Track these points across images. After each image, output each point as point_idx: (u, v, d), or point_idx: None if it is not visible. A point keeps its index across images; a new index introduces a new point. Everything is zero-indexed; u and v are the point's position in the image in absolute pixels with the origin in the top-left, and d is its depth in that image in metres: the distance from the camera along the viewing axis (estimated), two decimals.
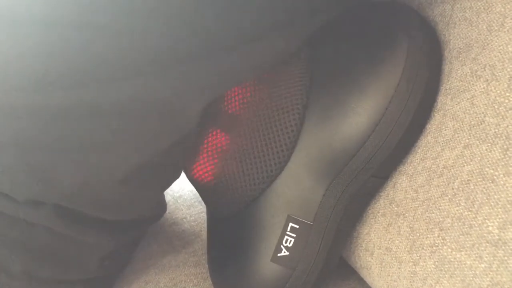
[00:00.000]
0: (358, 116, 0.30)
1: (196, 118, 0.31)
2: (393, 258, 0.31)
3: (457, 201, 0.27)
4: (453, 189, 0.28)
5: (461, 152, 0.28)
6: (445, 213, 0.28)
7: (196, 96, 0.29)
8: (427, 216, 0.29)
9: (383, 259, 0.32)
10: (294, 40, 0.32)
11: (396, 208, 0.32)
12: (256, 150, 0.33)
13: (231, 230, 0.35)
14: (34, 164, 0.30)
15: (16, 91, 0.27)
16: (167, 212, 0.50)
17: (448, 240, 0.27)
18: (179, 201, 0.53)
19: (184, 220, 0.50)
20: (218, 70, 0.28)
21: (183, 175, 0.56)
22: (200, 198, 0.52)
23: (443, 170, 0.29)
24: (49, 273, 0.36)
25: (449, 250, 0.27)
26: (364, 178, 0.31)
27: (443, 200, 0.28)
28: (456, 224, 0.27)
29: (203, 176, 0.35)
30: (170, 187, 0.54)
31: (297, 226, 0.32)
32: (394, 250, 0.31)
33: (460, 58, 0.29)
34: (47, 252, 0.35)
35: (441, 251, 0.28)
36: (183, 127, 0.31)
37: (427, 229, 0.29)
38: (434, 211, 0.29)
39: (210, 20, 0.26)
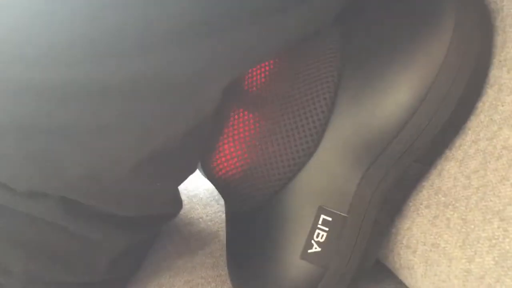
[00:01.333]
0: (399, 92, 0.27)
1: (216, 100, 0.28)
2: (441, 255, 0.27)
3: None
4: None
5: None
6: (507, 200, 0.24)
7: (217, 73, 0.26)
8: (483, 205, 0.25)
9: (429, 256, 0.28)
10: (323, 13, 0.28)
11: (443, 198, 0.28)
12: (281, 135, 0.29)
13: (254, 226, 0.32)
14: (36, 151, 0.27)
15: (18, 65, 0.24)
16: (182, 211, 0.47)
17: (510, 232, 0.24)
18: (194, 200, 0.50)
19: (200, 220, 0.46)
20: (243, 44, 0.26)
21: (197, 173, 0.53)
22: (217, 197, 0.49)
23: (501, 152, 0.25)
24: (52, 274, 0.32)
25: None
26: (406, 164, 0.28)
27: (504, 185, 0.24)
28: None
29: (227, 168, 0.32)
30: (185, 185, 0.51)
31: (330, 219, 0.28)
32: (442, 245, 0.27)
33: None
34: (50, 251, 0.32)
35: (502, 244, 0.24)
36: (202, 109, 0.28)
37: (484, 219, 0.25)
38: (492, 198, 0.25)
39: None
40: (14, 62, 0.24)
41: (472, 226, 0.26)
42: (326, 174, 0.28)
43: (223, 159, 0.31)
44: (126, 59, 0.24)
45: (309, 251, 0.28)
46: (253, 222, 0.32)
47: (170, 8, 0.23)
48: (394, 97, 0.27)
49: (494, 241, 0.24)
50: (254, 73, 0.31)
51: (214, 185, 0.34)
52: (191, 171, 0.35)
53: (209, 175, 0.34)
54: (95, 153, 0.27)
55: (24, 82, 0.24)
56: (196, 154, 0.34)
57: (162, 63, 0.24)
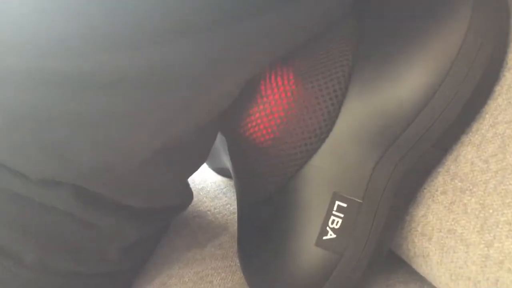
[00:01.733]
0: (416, 75, 0.26)
1: (233, 95, 0.28)
2: (458, 241, 0.27)
3: None
4: None
5: None
6: None
7: (231, 66, 0.26)
8: (502, 189, 0.25)
9: (445, 243, 0.28)
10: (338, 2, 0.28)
11: (460, 184, 0.27)
12: (292, 121, 0.29)
13: (266, 214, 0.31)
14: (50, 141, 0.27)
15: (34, 56, 0.24)
16: (190, 205, 0.46)
17: None
18: (201, 193, 0.49)
19: (208, 212, 0.46)
20: (256, 36, 0.25)
21: (204, 166, 0.53)
22: (224, 190, 0.49)
23: None
24: (63, 263, 0.32)
25: None
26: (422, 149, 0.27)
27: None
28: None
29: (259, 133, 0.30)
30: (192, 178, 0.51)
31: (345, 205, 0.28)
32: (459, 231, 0.27)
33: None
34: (62, 240, 0.31)
35: None
36: (217, 103, 0.28)
37: (503, 203, 0.25)
38: (511, 182, 0.24)
39: None
40: (29, 53, 0.24)
41: (491, 211, 0.25)
42: (340, 159, 0.28)
43: (261, 124, 0.30)
44: (140, 50, 0.23)
45: (324, 238, 0.28)
46: (264, 211, 0.31)
47: None
48: (411, 81, 0.26)
49: None
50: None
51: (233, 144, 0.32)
52: (203, 161, 0.35)
53: (241, 140, 0.32)
54: (109, 145, 0.27)
55: (39, 72, 0.24)
56: (210, 143, 0.34)
57: (176, 55, 0.24)
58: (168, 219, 0.39)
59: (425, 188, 0.30)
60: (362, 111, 0.27)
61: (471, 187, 0.27)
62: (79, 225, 0.31)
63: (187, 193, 0.39)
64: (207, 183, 0.50)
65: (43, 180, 0.29)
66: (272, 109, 0.29)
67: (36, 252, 0.31)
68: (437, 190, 0.29)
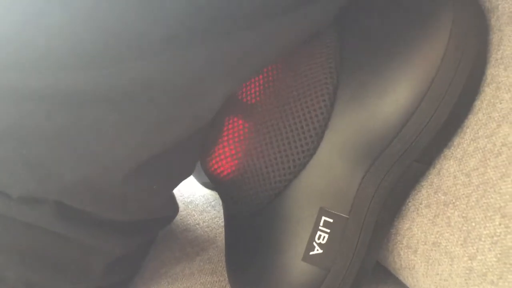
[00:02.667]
0: (398, 92, 0.27)
1: (216, 107, 0.28)
2: (443, 254, 0.27)
3: None
4: None
5: None
6: (508, 196, 0.24)
7: (216, 80, 0.26)
8: (484, 202, 0.25)
9: (430, 256, 0.28)
10: (323, 15, 0.28)
11: (443, 197, 0.28)
12: (280, 136, 0.29)
13: (255, 229, 0.31)
14: (32, 156, 0.26)
15: (15, 71, 0.23)
16: (178, 218, 0.47)
17: None
18: (190, 206, 0.49)
19: (197, 226, 0.46)
20: (241, 50, 0.25)
21: (193, 179, 0.53)
22: (213, 203, 0.49)
23: (501, 148, 0.25)
24: (48, 281, 0.32)
25: None
26: (406, 163, 0.28)
27: (504, 182, 0.24)
28: None
29: (222, 169, 0.31)
30: (181, 191, 0.51)
31: (331, 220, 0.28)
32: (443, 244, 0.27)
33: None
34: (46, 258, 0.31)
35: (504, 241, 0.24)
36: (201, 115, 0.28)
37: (485, 217, 0.25)
38: (492, 195, 0.25)
39: None
40: (12, 68, 0.23)
41: (473, 224, 0.26)
42: (327, 175, 0.28)
43: (222, 161, 0.31)
44: (124, 65, 0.23)
45: (311, 253, 0.28)
46: (253, 225, 0.32)
47: (168, 13, 0.23)
48: (394, 97, 0.27)
49: (496, 238, 0.24)
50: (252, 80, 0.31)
51: (213, 183, 0.33)
52: (189, 173, 0.35)
53: (208, 176, 0.33)
54: (92, 159, 0.27)
55: (22, 88, 0.24)
56: (195, 155, 0.34)
57: (159, 70, 0.24)
58: (153, 232, 0.39)
59: (409, 202, 0.30)
60: (347, 128, 0.28)
61: (454, 201, 0.27)
62: (62, 241, 0.31)
63: (172, 205, 0.38)
64: (196, 196, 0.50)
65: (24, 198, 0.29)
66: None
67: (19, 271, 0.31)
68: (421, 204, 0.29)
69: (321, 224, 0.28)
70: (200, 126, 0.29)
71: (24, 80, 0.24)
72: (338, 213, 0.28)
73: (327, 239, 0.28)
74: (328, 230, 0.28)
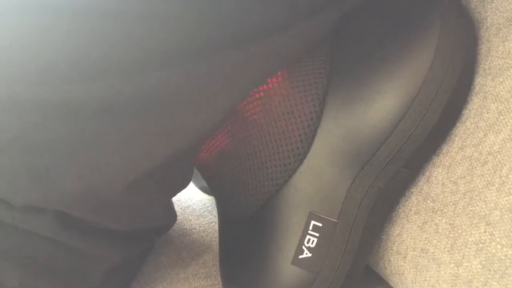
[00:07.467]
0: (386, 99, 0.27)
1: (217, 120, 0.28)
2: (431, 260, 0.28)
3: (507, 190, 0.24)
4: (501, 177, 0.24)
5: (508, 135, 0.24)
6: (492, 205, 0.24)
7: (216, 94, 0.27)
8: (470, 210, 0.26)
9: (419, 262, 0.29)
10: (324, 27, 0.29)
11: (432, 204, 0.28)
12: (270, 141, 0.30)
13: (246, 233, 0.32)
14: (35, 167, 0.27)
15: (21, 84, 0.24)
16: (175, 222, 0.47)
17: (497, 236, 0.24)
18: (187, 211, 0.50)
19: (193, 230, 0.46)
20: (241, 65, 0.26)
21: (190, 184, 0.54)
22: (210, 208, 0.49)
23: (487, 157, 0.25)
24: None
25: (499, 246, 0.24)
26: (394, 169, 0.28)
27: (489, 190, 0.25)
28: (506, 216, 0.24)
29: (210, 152, 0.32)
30: (178, 197, 0.52)
31: (320, 225, 0.29)
32: (431, 251, 0.28)
33: (501, 35, 0.27)
34: (47, 265, 0.32)
35: (489, 248, 0.24)
36: (202, 128, 0.28)
37: (471, 224, 0.25)
38: (478, 203, 0.25)
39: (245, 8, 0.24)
40: (18, 81, 0.24)
41: (460, 231, 0.26)
42: (317, 180, 0.29)
43: (210, 149, 0.32)
44: (128, 78, 0.24)
45: (300, 256, 0.29)
46: (245, 230, 0.32)
47: (170, 27, 0.23)
48: (382, 104, 0.27)
49: (481, 245, 0.25)
50: None
51: (204, 175, 0.34)
52: (188, 182, 0.35)
53: (198, 167, 0.34)
54: (94, 170, 0.27)
55: (28, 100, 0.24)
56: (192, 165, 0.34)
57: (163, 83, 0.24)
58: (152, 240, 0.40)
59: (400, 208, 0.30)
60: (337, 134, 0.28)
61: (442, 208, 0.27)
62: (62, 250, 0.31)
63: (171, 213, 0.39)
64: (193, 201, 0.51)
65: (27, 207, 0.29)
66: None
67: (18, 278, 0.31)
68: (411, 210, 0.30)
69: (310, 228, 0.29)
70: (202, 137, 0.29)
71: (29, 92, 0.24)
72: (327, 218, 0.28)
73: (316, 243, 0.28)
74: (317, 234, 0.28)
